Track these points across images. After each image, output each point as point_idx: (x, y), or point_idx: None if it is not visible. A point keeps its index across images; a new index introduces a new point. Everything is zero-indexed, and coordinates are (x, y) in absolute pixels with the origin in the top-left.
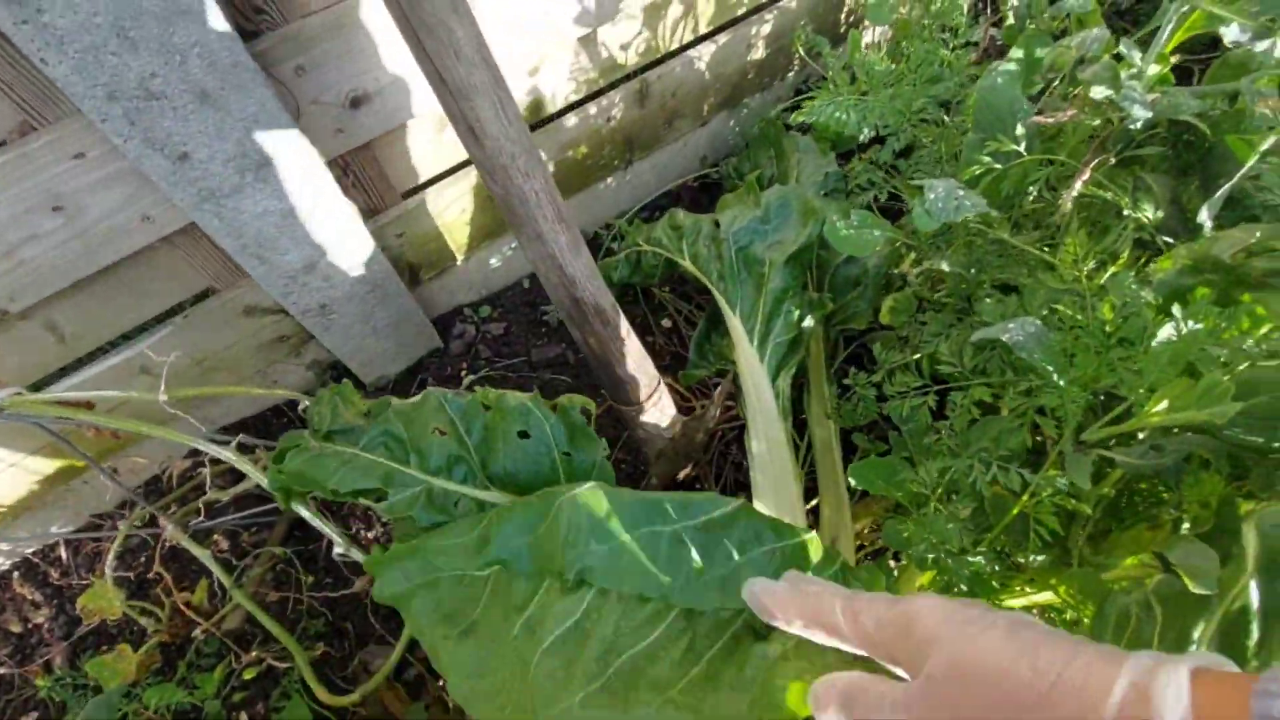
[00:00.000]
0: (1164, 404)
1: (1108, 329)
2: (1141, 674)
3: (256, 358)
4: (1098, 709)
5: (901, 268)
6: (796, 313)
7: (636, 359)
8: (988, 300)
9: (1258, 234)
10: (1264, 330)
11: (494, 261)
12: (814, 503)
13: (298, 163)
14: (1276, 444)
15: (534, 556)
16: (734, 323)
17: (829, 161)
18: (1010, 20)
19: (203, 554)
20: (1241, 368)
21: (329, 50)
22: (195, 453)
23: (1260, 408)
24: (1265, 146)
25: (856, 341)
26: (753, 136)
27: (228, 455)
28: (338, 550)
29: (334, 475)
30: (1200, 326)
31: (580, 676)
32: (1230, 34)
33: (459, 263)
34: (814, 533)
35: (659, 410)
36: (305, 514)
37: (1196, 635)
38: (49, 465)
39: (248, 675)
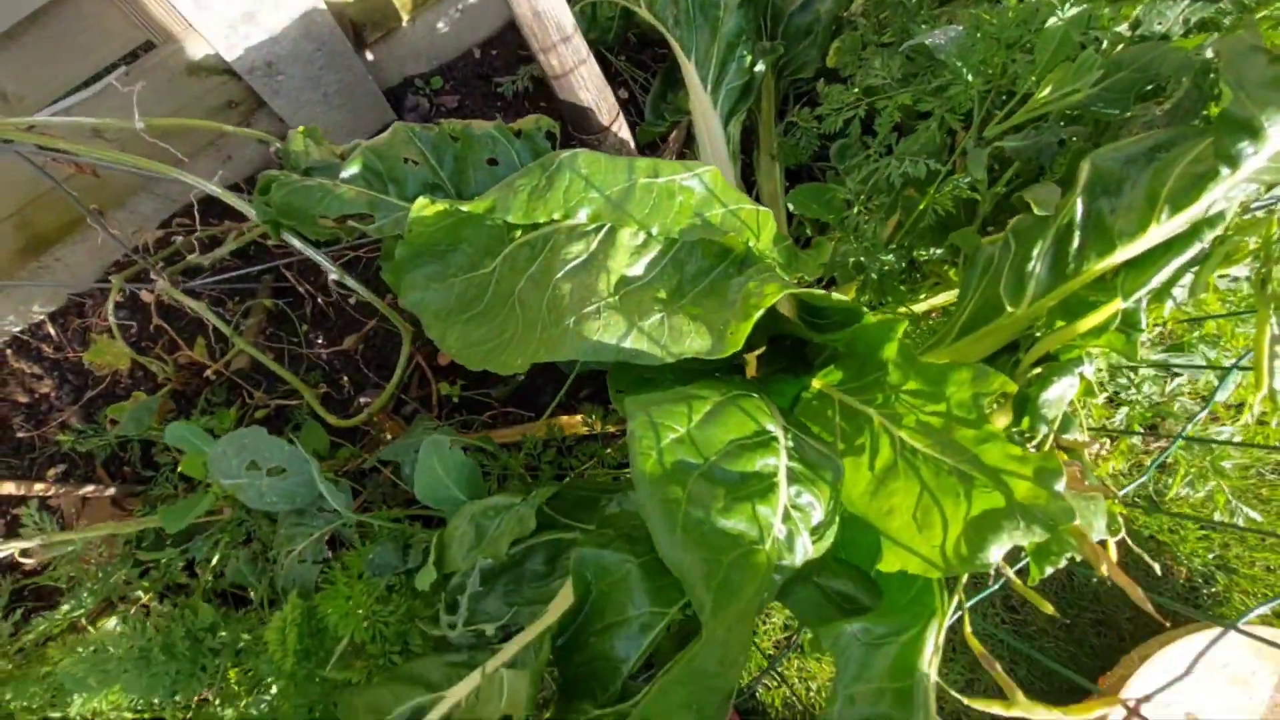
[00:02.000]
0: (1048, 90)
1: (1011, 17)
2: None
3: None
4: None
5: (851, 9)
6: (749, 58)
7: (597, 83)
8: (924, 26)
9: None
10: (1134, 14)
11: (441, 26)
12: None
13: None
14: (1127, 113)
15: (533, 206)
16: (689, 69)
17: None
18: None
19: (199, 306)
20: (1118, 49)
21: None
22: (165, 224)
23: (1120, 82)
24: None
25: (804, 98)
26: None
27: (215, 190)
28: (333, 277)
29: (320, 203)
30: (1079, 10)
31: (601, 292)
32: None
33: (404, 24)
34: (770, 210)
35: (620, 139)
36: (296, 243)
37: (1035, 252)
38: (15, 238)
39: (259, 415)
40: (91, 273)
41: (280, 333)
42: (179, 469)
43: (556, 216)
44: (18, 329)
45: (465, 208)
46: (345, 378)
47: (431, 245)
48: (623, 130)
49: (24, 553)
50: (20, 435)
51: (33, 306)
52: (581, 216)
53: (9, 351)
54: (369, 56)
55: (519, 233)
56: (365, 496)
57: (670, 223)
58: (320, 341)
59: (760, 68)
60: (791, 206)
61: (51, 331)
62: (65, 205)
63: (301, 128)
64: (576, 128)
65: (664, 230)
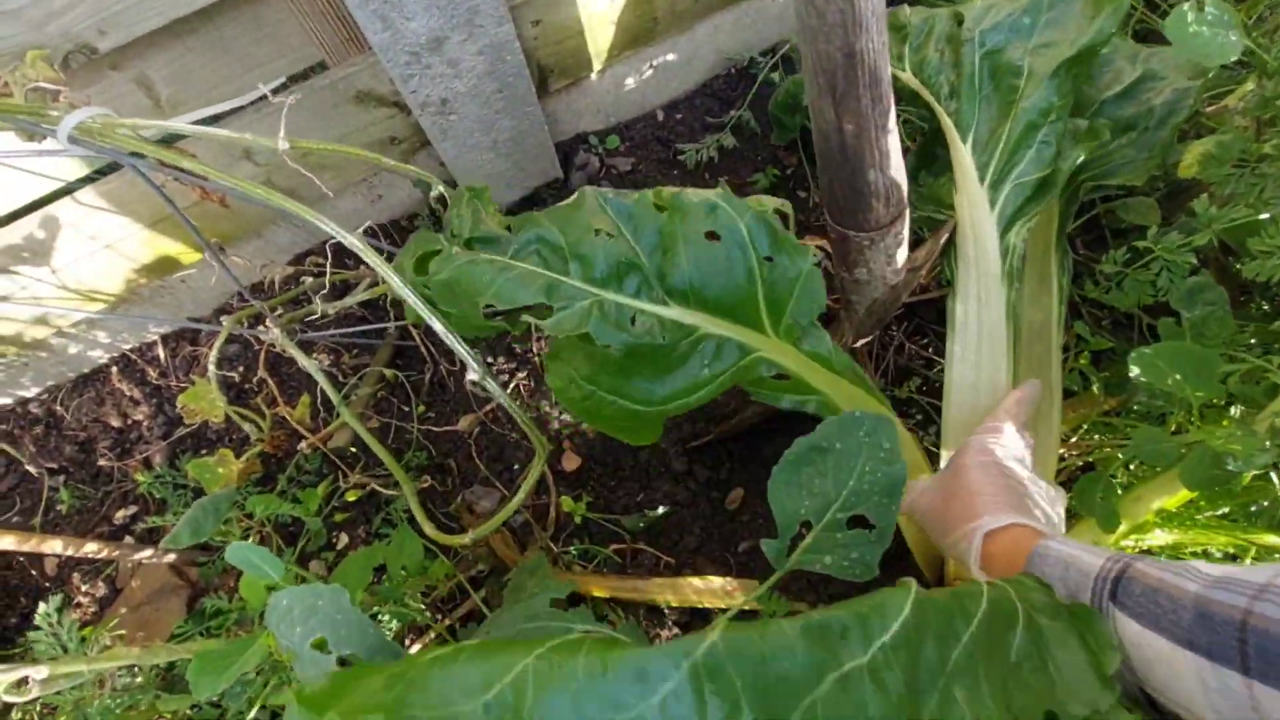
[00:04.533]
0: None
1: None
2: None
3: (364, 162)
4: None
5: (1226, 103)
6: (1054, 146)
7: (895, 164)
8: None
9: None
10: None
11: (630, 82)
12: None
13: None
14: None
15: None
16: (961, 154)
17: None
18: None
19: (311, 365)
20: None
21: None
22: (298, 259)
23: None
24: None
25: (1085, 210)
26: None
27: (355, 243)
28: (471, 377)
29: (490, 287)
30: None
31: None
32: None
33: (593, 75)
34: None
35: (896, 244)
36: (439, 327)
37: None
38: (147, 252)
39: (350, 497)
40: (215, 299)
41: (392, 399)
42: (239, 588)
43: None
44: (128, 346)
45: None
46: (453, 463)
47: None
48: (903, 231)
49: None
50: (102, 463)
51: (148, 325)
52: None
53: (114, 369)
54: (547, 106)
55: None
56: None
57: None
58: (432, 416)
59: (1069, 163)
60: (1135, 370)
61: (161, 355)
62: (204, 225)
63: (469, 187)
64: (843, 218)
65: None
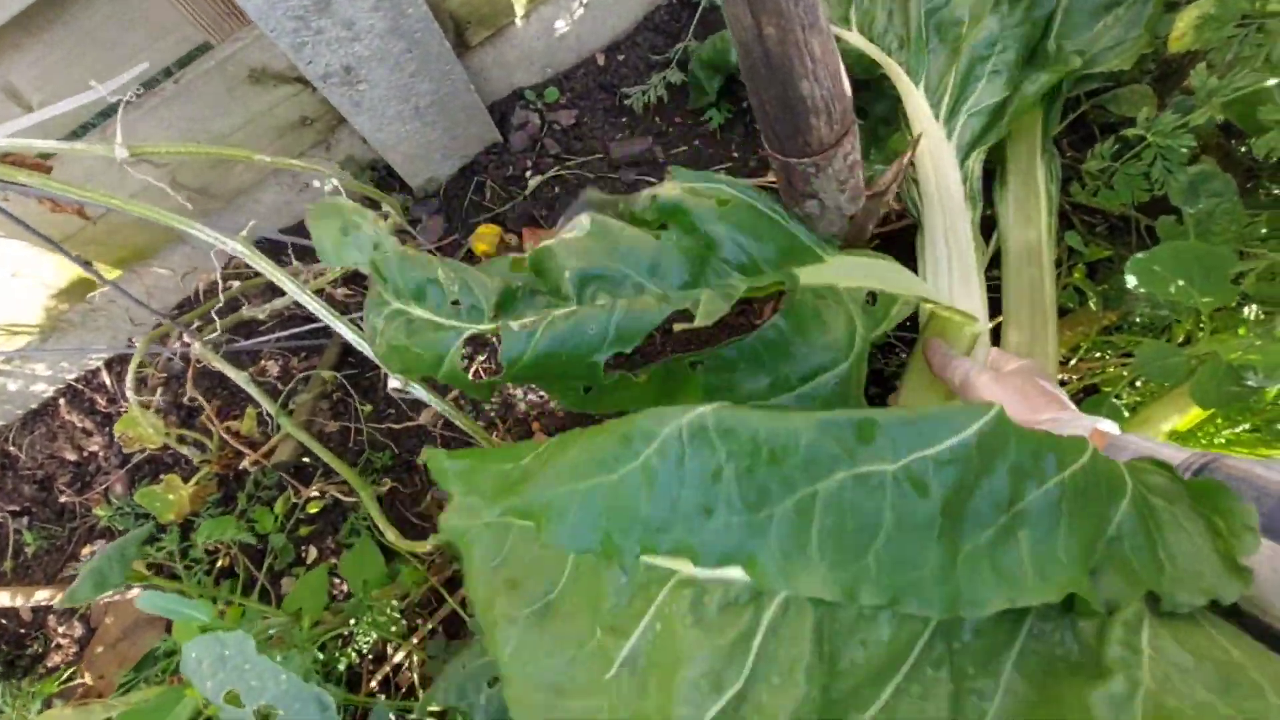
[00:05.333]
0: None
1: None
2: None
3: (276, 148)
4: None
5: None
6: (1005, 75)
7: (831, 70)
8: None
9: None
10: None
11: (561, 25)
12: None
13: None
14: None
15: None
16: (914, 98)
17: None
18: None
19: (239, 377)
20: None
21: None
22: (230, 263)
23: None
24: None
25: (1083, 103)
26: None
27: (240, 249)
28: (394, 384)
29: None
30: None
31: None
32: None
33: (517, 21)
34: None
35: (847, 167)
36: (352, 338)
37: None
38: (61, 275)
39: (312, 509)
40: (152, 315)
41: (348, 400)
42: (171, 633)
43: None
44: (71, 376)
45: None
46: (419, 460)
47: None
48: (854, 151)
49: None
50: (63, 499)
51: (86, 353)
52: None
53: (62, 401)
54: (472, 63)
55: None
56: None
57: None
58: (392, 413)
59: (1028, 88)
60: (1133, 280)
61: (107, 380)
62: (116, 239)
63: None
64: (781, 144)
65: None
